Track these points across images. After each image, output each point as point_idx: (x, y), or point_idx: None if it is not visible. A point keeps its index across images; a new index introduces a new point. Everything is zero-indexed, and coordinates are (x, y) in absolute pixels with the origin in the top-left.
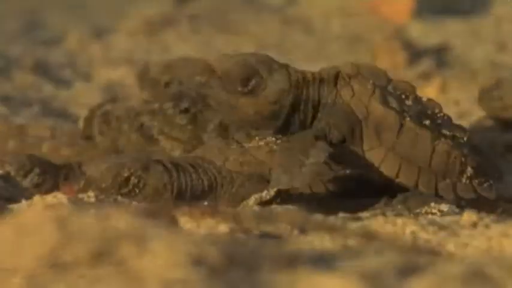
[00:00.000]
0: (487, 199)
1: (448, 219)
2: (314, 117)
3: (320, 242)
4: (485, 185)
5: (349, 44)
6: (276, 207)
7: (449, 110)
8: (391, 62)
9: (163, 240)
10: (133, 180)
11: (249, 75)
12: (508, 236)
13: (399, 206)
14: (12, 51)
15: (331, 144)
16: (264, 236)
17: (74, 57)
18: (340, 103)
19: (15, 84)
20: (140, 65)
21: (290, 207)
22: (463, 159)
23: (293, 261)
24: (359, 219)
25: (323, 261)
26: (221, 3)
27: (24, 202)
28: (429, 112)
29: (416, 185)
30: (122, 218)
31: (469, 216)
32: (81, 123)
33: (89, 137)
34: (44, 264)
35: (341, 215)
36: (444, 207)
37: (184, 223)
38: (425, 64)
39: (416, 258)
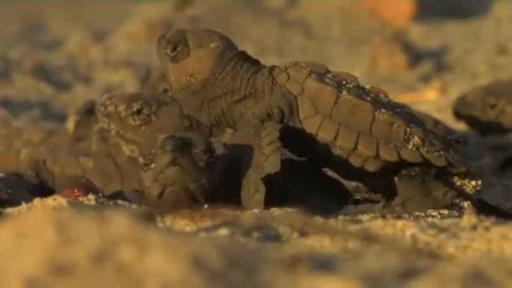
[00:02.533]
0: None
1: (447, 221)
2: (244, 103)
3: (320, 244)
4: (434, 153)
5: (348, 46)
6: (275, 210)
7: (449, 113)
8: (391, 65)
9: (163, 243)
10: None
11: (177, 42)
12: (507, 239)
13: (397, 208)
14: (12, 54)
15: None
16: (264, 238)
17: (74, 60)
18: (277, 88)
19: (15, 87)
20: (143, 70)
21: (290, 209)
22: (408, 129)
23: (293, 264)
24: (359, 221)
25: (323, 264)
26: (221, 7)
27: (24, 205)
28: (372, 95)
29: (356, 146)
30: (121, 221)
31: (468, 218)
32: (70, 126)
33: (79, 139)
34: (43, 268)
35: (341, 217)
36: (444, 210)
37: (184, 226)
38: (425, 67)
39: (416, 261)
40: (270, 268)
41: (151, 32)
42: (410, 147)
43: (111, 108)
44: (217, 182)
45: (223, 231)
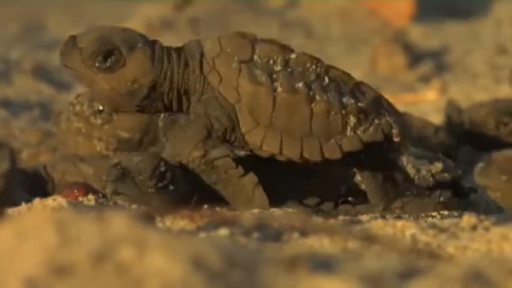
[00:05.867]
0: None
1: (447, 221)
2: (180, 103)
3: (320, 244)
4: (370, 129)
5: (349, 47)
6: (275, 210)
7: None
8: (391, 65)
9: (163, 243)
10: (168, 175)
11: (108, 51)
12: (507, 239)
13: (397, 211)
14: (12, 54)
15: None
16: (264, 238)
17: None
18: (210, 90)
19: (15, 88)
20: None
21: (290, 210)
22: (343, 111)
23: (293, 264)
24: (359, 222)
25: (323, 264)
26: (221, 7)
27: (24, 205)
28: (300, 70)
29: (302, 155)
30: (121, 221)
31: (468, 218)
32: None
33: None
34: (43, 268)
35: (341, 217)
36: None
37: (184, 226)
38: (425, 67)
39: (416, 261)
40: (270, 268)
41: (151, 32)
42: (348, 132)
43: (78, 108)
44: (185, 198)
45: (223, 231)
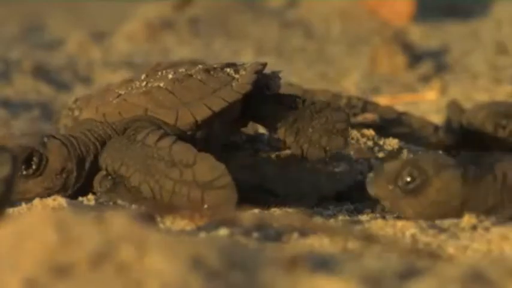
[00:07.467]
0: None
1: (447, 221)
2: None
3: (320, 244)
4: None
5: (348, 47)
6: (275, 210)
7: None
8: (391, 65)
9: (163, 243)
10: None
11: (29, 155)
12: (507, 239)
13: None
14: (12, 54)
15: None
16: (264, 238)
17: (74, 60)
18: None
19: (15, 88)
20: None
21: (290, 210)
22: (218, 71)
23: (293, 264)
24: (359, 222)
25: (323, 264)
26: (221, 7)
27: (24, 205)
28: (160, 74)
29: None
30: (121, 221)
31: (468, 219)
32: None
33: None
34: (43, 268)
35: (341, 218)
36: None
37: (184, 226)
38: (425, 67)
39: (416, 261)
40: (270, 268)
41: (151, 32)
42: (234, 82)
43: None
44: None
45: (223, 231)
